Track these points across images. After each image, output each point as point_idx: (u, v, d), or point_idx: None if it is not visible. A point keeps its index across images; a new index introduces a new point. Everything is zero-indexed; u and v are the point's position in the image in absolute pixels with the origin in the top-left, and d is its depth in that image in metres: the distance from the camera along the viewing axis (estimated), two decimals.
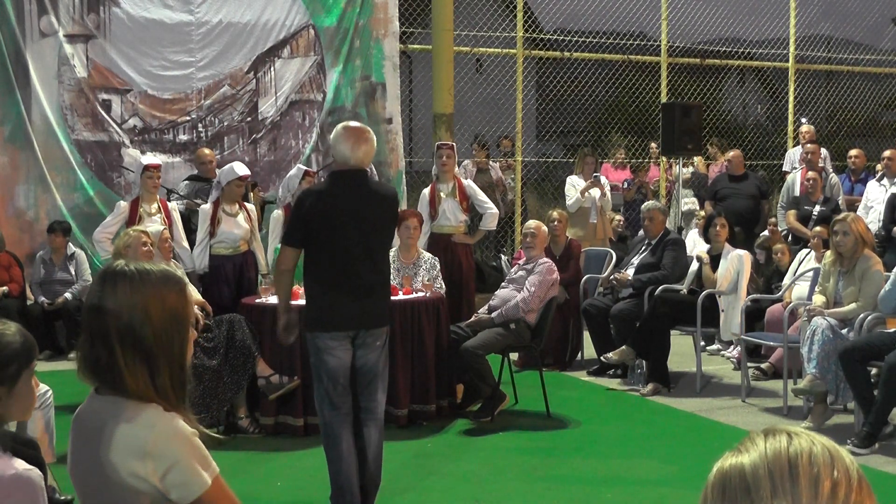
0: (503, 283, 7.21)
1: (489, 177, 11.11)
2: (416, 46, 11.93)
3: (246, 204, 7.54)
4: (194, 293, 6.43)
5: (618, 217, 10.66)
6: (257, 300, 6.50)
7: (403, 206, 9.32)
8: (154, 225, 7.16)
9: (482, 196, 8.13)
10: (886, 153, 9.55)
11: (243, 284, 7.20)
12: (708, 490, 1.20)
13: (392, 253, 6.54)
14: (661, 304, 7.30)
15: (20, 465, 2.24)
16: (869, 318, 6.11)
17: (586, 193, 9.53)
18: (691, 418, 6.62)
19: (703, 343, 7.97)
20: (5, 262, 8.60)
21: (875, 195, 9.38)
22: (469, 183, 8.28)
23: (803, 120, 12.94)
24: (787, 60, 13.39)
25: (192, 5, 9.79)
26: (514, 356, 7.51)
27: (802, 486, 1.15)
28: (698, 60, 13.52)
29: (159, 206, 7.59)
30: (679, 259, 7.77)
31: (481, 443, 6.04)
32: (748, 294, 7.43)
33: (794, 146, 12.32)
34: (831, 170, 10.73)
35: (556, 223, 8.26)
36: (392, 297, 5.16)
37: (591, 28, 13.16)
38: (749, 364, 7.47)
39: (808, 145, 10.18)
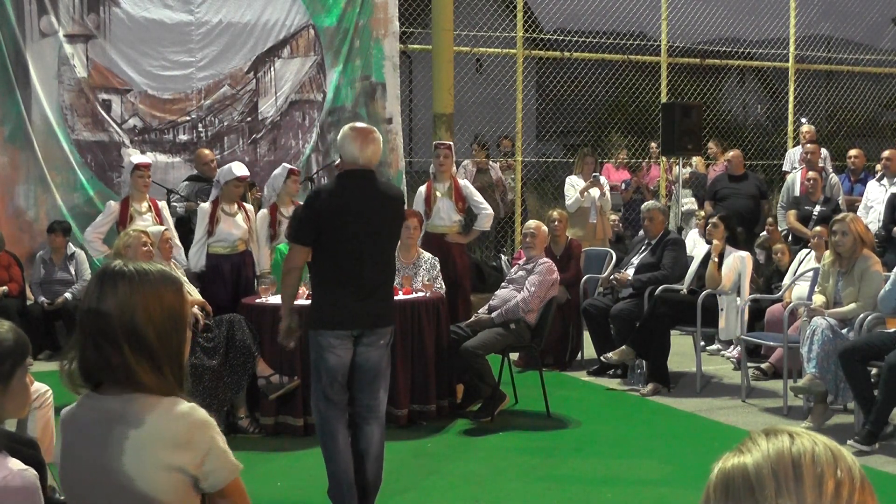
0: (503, 283, 7.21)
1: (489, 177, 11.11)
2: (416, 46, 11.93)
3: (245, 204, 7.54)
4: (194, 293, 6.43)
5: (613, 216, 10.65)
6: (257, 300, 6.50)
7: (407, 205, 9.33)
8: (145, 223, 7.14)
9: (478, 197, 8.17)
10: (886, 153, 9.54)
11: (240, 284, 7.20)
12: (710, 490, 1.20)
13: None
14: (661, 304, 7.30)
15: (15, 464, 2.22)
16: (869, 318, 6.11)
17: (586, 193, 9.53)
18: (691, 418, 6.62)
19: (703, 343, 7.97)
20: (5, 262, 8.60)
21: (875, 195, 9.37)
22: (465, 183, 8.30)
23: (803, 120, 12.94)
24: (787, 60, 13.39)
25: (192, 5, 9.80)
26: (514, 356, 7.51)
27: (807, 485, 1.15)
28: (698, 60, 13.52)
29: (150, 206, 7.59)
30: (679, 259, 7.76)
31: (481, 443, 6.04)
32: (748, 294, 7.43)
33: (794, 146, 12.32)
34: (831, 170, 10.73)
35: (556, 223, 8.26)
36: (393, 298, 5.16)
37: (591, 28, 13.17)
38: (749, 364, 7.46)
39: (808, 145, 10.18)
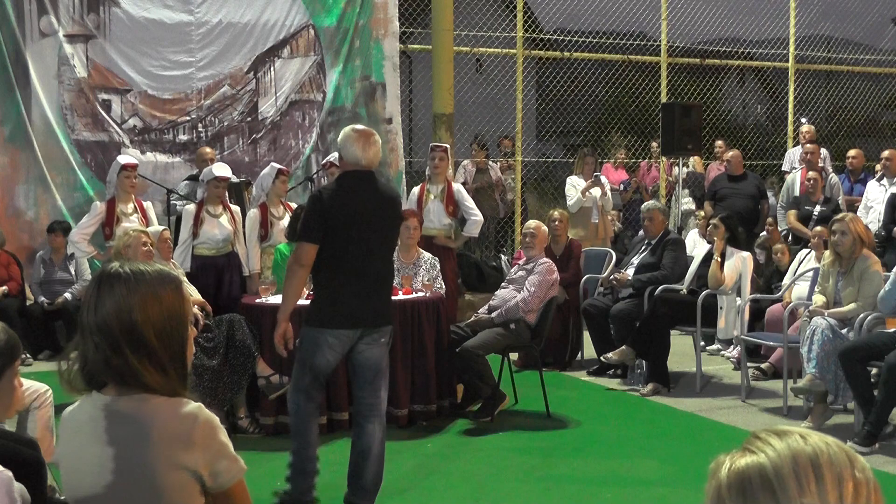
0: (503, 283, 7.21)
1: (489, 177, 11.12)
2: (416, 46, 11.93)
3: (231, 206, 7.53)
4: (194, 293, 6.43)
5: (610, 214, 10.64)
6: (257, 300, 6.50)
7: (403, 206, 9.34)
8: (131, 224, 7.13)
9: (469, 202, 8.22)
10: (886, 153, 9.54)
11: (224, 285, 7.20)
12: (723, 490, 1.18)
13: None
14: (660, 304, 7.30)
15: None
16: (869, 318, 6.11)
17: (587, 193, 9.53)
18: (691, 418, 6.62)
19: (702, 343, 7.97)
20: (4, 261, 8.60)
21: (875, 195, 9.38)
22: (459, 188, 8.34)
23: (803, 120, 12.94)
24: (787, 60, 13.39)
25: (192, 5, 9.80)
26: (514, 356, 7.51)
27: (828, 486, 1.15)
28: (698, 60, 13.53)
29: (135, 207, 7.59)
30: (679, 259, 7.76)
31: (481, 443, 6.04)
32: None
33: (793, 146, 12.32)
34: (831, 170, 10.73)
35: (557, 223, 8.26)
36: (392, 297, 5.16)
37: (591, 28, 13.17)
38: (749, 364, 7.46)
39: (808, 145, 10.18)
